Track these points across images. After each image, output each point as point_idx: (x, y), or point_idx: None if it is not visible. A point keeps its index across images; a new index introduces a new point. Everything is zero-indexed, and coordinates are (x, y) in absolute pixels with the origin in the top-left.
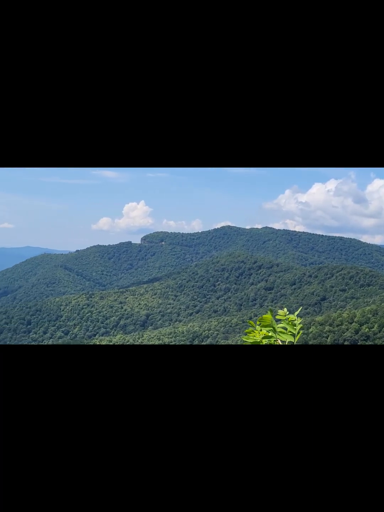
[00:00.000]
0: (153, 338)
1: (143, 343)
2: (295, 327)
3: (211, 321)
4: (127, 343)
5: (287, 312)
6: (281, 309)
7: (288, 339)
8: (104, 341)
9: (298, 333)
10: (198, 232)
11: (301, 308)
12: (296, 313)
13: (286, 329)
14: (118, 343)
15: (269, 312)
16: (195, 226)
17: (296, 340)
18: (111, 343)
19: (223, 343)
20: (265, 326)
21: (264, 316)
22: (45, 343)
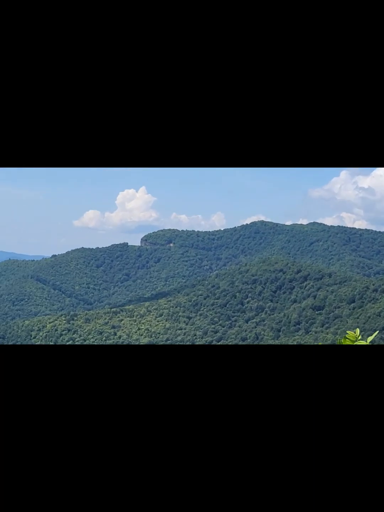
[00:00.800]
0: None
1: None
2: None
3: None
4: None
5: (359, 336)
6: (351, 331)
7: None
8: None
9: None
10: (220, 229)
11: (377, 332)
12: (370, 339)
13: None
14: None
15: (348, 334)
16: (216, 221)
17: None
18: None
19: None
20: None
21: (342, 339)
22: None
